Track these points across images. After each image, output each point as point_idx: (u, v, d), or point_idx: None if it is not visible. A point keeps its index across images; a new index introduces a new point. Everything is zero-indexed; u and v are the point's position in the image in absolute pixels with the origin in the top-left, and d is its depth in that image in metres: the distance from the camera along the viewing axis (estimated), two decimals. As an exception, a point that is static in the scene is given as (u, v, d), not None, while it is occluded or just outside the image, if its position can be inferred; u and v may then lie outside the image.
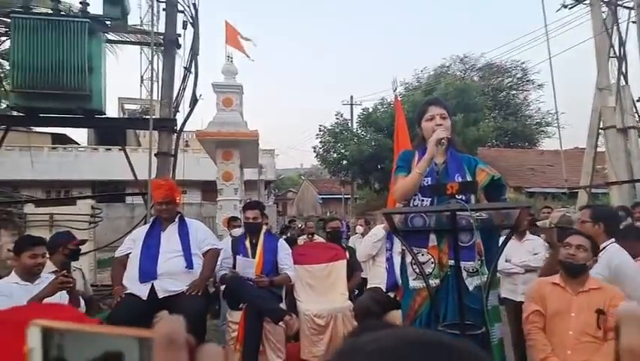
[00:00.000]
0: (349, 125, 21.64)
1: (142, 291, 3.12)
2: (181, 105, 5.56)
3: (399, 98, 5.36)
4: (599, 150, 8.86)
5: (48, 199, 13.93)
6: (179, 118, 5.51)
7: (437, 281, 2.25)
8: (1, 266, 7.20)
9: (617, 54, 8.23)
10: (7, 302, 2.52)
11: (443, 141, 2.26)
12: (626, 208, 5.12)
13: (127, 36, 6.70)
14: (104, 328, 0.35)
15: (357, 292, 4.46)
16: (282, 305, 3.67)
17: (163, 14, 5.52)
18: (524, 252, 3.78)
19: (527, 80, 24.87)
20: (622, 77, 8.23)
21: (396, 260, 2.86)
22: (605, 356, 2.18)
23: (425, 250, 2.29)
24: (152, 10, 5.54)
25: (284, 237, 6.09)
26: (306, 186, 33.62)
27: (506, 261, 3.76)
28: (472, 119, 17.11)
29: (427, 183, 2.30)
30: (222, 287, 3.83)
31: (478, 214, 2.18)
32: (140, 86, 25.61)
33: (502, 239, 2.37)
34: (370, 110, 19.92)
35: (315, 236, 5.85)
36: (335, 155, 20.38)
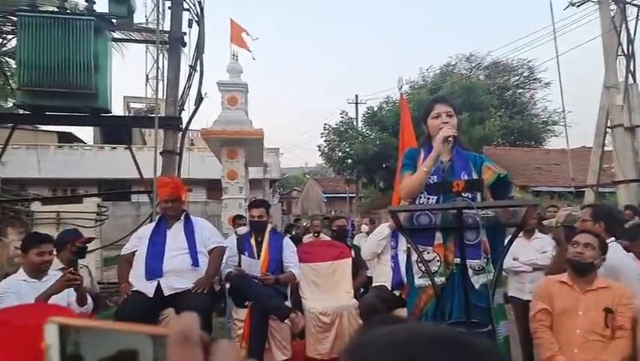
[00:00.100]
0: (354, 123, 21.61)
1: (148, 288, 3.13)
2: (186, 104, 5.58)
3: (404, 97, 5.34)
4: (606, 148, 8.80)
5: (55, 197, 14.01)
6: (185, 116, 5.52)
7: (443, 279, 2.25)
8: (8, 264, 7.26)
9: (625, 52, 8.16)
10: (15, 299, 2.54)
11: (450, 138, 2.25)
12: (633, 207, 5.08)
13: (132, 34, 6.72)
14: (119, 325, 0.35)
15: (362, 290, 4.46)
16: (288, 303, 3.68)
17: (168, 13, 5.53)
18: (532, 250, 3.76)
19: (534, 79, 24.73)
20: (630, 75, 8.17)
21: (402, 258, 2.86)
22: (612, 355, 2.17)
23: (431, 248, 2.29)
24: (158, 8, 5.53)
25: (289, 235, 6.10)
26: (310, 185, 33.63)
27: (514, 259, 3.74)
28: (478, 117, 17.04)
29: (433, 180, 2.29)
30: (228, 285, 3.84)
31: (484, 212, 2.18)
32: (146, 84, 25.72)
33: (509, 237, 2.36)
34: (375, 109, 19.89)
35: (321, 235, 5.86)
36: (340, 154, 20.37)
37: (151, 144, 6.38)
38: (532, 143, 23.51)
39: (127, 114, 18.81)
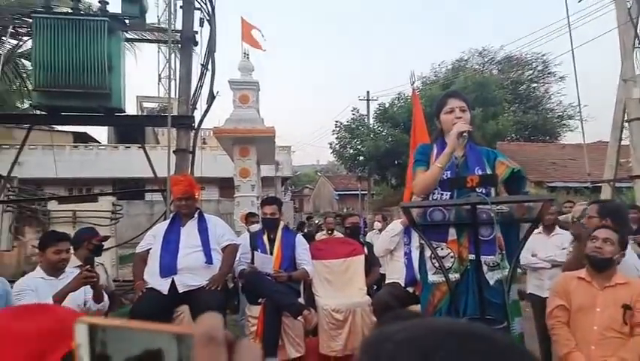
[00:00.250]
0: (366, 120, 21.52)
1: (163, 286, 3.16)
2: (198, 102, 5.61)
3: (416, 92, 5.31)
4: (623, 142, 8.63)
5: (70, 196, 14.23)
6: (197, 115, 5.56)
7: (457, 275, 2.23)
8: (25, 262, 7.40)
9: (642, 44, 7.97)
10: (34, 297, 2.59)
11: (464, 134, 2.22)
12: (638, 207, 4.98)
13: (145, 34, 6.78)
14: (145, 324, 0.36)
15: (375, 287, 4.45)
16: (301, 300, 3.69)
17: (180, 12, 5.56)
18: (552, 246, 3.70)
19: (548, 73, 24.37)
20: (647, 68, 7.98)
21: (415, 255, 2.84)
22: (630, 352, 2.13)
23: (444, 244, 2.27)
24: (170, 8, 5.57)
25: (301, 233, 6.11)
26: (322, 183, 33.62)
27: (532, 255, 3.70)
28: (491, 113, 16.84)
29: (447, 176, 2.27)
30: (241, 282, 3.86)
31: (498, 207, 2.15)
32: (158, 84, 26.00)
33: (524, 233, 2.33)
34: (387, 105, 19.78)
35: (335, 232, 5.86)
36: (351, 151, 20.29)
37: (164, 143, 6.44)
38: (547, 138, 23.19)
39: (140, 114, 19.01)
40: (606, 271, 2.29)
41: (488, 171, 2.28)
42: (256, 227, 4.25)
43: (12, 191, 7.30)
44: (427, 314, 2.31)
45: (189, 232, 3.37)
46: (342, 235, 5.35)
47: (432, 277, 2.32)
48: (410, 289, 3.54)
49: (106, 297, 2.94)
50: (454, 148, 2.22)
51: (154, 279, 3.21)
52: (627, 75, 7.92)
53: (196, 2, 5.46)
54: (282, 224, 4.01)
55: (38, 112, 5.36)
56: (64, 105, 4.95)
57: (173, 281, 3.17)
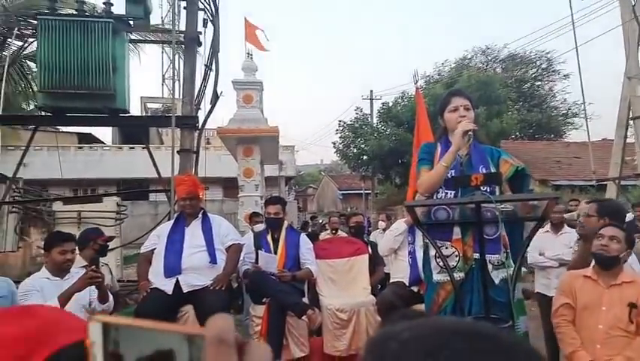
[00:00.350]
0: (369, 119, 21.50)
1: (167, 286, 3.17)
2: (202, 103, 5.62)
3: (420, 91, 5.29)
4: (628, 140, 8.58)
5: (75, 197, 14.29)
6: (201, 115, 5.57)
7: (462, 275, 2.23)
8: (31, 263, 7.44)
9: (647, 41, 7.92)
10: (39, 297, 2.60)
11: (470, 133, 2.21)
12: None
13: (149, 35, 6.79)
14: (157, 324, 0.36)
15: (380, 286, 4.44)
16: (305, 300, 3.68)
17: (184, 13, 5.57)
18: (560, 245, 3.68)
19: (553, 71, 24.23)
20: (652, 65, 7.92)
21: (419, 254, 2.84)
22: (636, 351, 2.12)
23: (449, 243, 2.26)
24: (173, 8, 5.58)
25: (305, 233, 6.11)
26: (326, 182, 33.61)
27: (540, 254, 3.68)
28: (495, 111, 16.78)
29: (452, 175, 2.26)
30: (245, 282, 3.86)
31: (502, 206, 2.14)
32: (162, 84, 26.09)
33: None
34: (390, 104, 19.75)
35: (339, 231, 5.85)
36: (355, 150, 20.28)
37: (168, 144, 6.45)
38: (552, 136, 23.07)
39: (144, 114, 19.06)
40: (612, 270, 2.27)
41: (492, 170, 2.27)
42: (260, 227, 4.25)
43: (17, 192, 7.34)
44: (432, 313, 2.30)
45: (193, 232, 3.38)
46: (346, 235, 5.35)
47: (436, 276, 2.31)
48: (414, 289, 3.53)
49: (111, 297, 2.95)
50: (459, 147, 2.22)
51: (158, 279, 3.22)
52: (632, 73, 7.87)
53: (200, 3, 5.47)
54: (285, 224, 4.01)
55: (43, 113, 5.38)
56: (69, 106, 4.96)
57: (177, 281, 3.18)
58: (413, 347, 0.38)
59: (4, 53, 7.13)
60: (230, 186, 16.94)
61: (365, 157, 19.75)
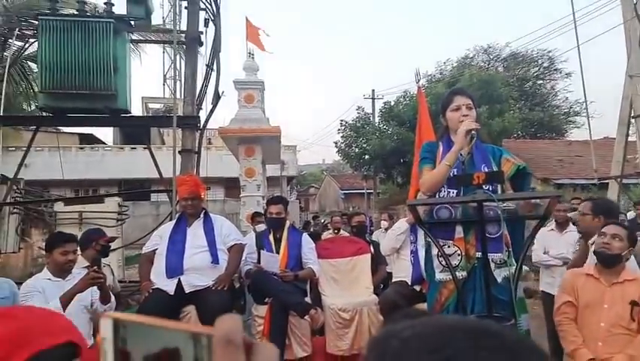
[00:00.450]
0: (371, 119, 21.48)
1: (169, 286, 3.17)
2: (203, 103, 5.62)
3: (422, 90, 5.28)
4: (630, 139, 8.56)
5: (77, 198, 14.31)
6: (202, 115, 5.57)
7: (464, 273, 2.22)
8: (32, 264, 7.45)
9: (649, 39, 7.89)
10: (41, 298, 2.60)
11: (473, 132, 2.20)
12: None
13: (150, 35, 6.80)
14: (165, 322, 0.36)
15: (382, 286, 4.44)
16: (307, 299, 3.68)
17: (185, 13, 5.57)
18: (564, 243, 3.67)
19: (554, 69, 24.18)
20: (654, 63, 7.90)
21: (421, 253, 2.83)
22: (638, 349, 2.11)
23: (451, 241, 2.26)
24: (175, 8, 5.58)
25: (307, 232, 6.10)
26: (328, 182, 33.62)
27: (544, 253, 3.67)
28: (497, 110, 16.75)
29: (454, 173, 2.26)
30: (247, 282, 3.86)
31: (504, 204, 2.14)
32: (163, 85, 26.12)
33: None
34: (392, 103, 19.72)
35: (341, 231, 5.85)
36: (357, 150, 20.27)
37: (169, 144, 6.46)
38: (554, 135, 23.03)
39: (145, 114, 19.09)
40: (614, 268, 2.27)
41: (494, 169, 2.26)
42: (262, 227, 4.24)
43: (18, 193, 7.34)
44: (435, 312, 2.30)
45: (195, 232, 3.38)
46: (348, 234, 5.34)
47: (439, 275, 2.31)
48: (417, 288, 3.52)
49: (113, 298, 2.95)
50: (462, 146, 2.21)
51: (160, 279, 3.22)
52: (633, 71, 7.85)
53: (201, 3, 5.46)
54: (287, 223, 4.01)
55: (44, 114, 5.38)
56: (70, 107, 4.96)
57: (179, 281, 3.18)
58: (415, 345, 0.38)
59: (5, 53, 7.14)
60: (231, 186, 16.98)
61: (367, 156, 19.73)
